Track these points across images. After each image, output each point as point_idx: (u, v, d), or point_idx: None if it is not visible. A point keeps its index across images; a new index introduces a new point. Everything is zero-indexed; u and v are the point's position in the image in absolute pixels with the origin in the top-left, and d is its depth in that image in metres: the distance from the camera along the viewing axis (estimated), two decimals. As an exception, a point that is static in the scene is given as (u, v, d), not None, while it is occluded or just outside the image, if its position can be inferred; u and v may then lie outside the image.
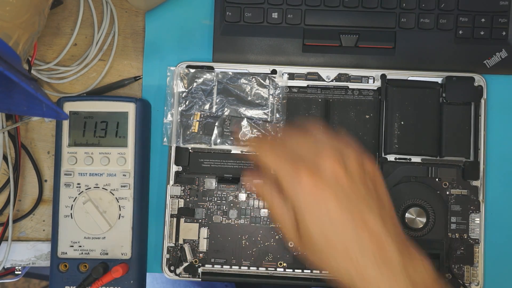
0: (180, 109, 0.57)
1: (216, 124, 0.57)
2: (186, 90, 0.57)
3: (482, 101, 0.57)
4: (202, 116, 0.57)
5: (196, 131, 0.57)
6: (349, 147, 0.45)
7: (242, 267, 0.57)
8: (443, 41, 0.58)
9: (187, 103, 0.57)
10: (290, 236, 0.45)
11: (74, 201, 0.55)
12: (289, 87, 0.58)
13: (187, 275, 0.57)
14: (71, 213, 0.55)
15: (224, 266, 0.57)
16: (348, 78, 0.58)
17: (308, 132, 0.46)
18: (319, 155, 0.43)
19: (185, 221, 0.57)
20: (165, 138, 0.57)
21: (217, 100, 0.57)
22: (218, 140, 0.56)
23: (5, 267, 0.59)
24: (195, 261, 0.57)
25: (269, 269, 0.57)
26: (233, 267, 0.57)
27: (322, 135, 0.45)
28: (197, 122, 0.57)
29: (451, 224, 0.56)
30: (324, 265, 0.43)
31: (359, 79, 0.58)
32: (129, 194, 0.56)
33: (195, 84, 0.57)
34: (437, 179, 0.57)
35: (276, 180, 0.44)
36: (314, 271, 0.56)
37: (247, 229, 0.57)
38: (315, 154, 0.44)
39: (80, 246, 0.55)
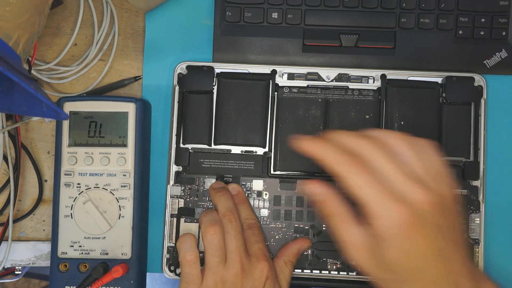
0: None
1: None
2: None
3: (482, 101, 0.57)
4: None
5: None
6: (443, 171, 0.43)
7: (242, 267, 0.57)
8: (443, 41, 0.58)
9: None
10: (362, 261, 0.43)
11: (74, 201, 0.55)
12: (289, 87, 0.58)
13: (187, 275, 0.57)
14: (71, 213, 0.55)
15: (224, 266, 0.57)
16: (348, 78, 0.58)
17: (390, 146, 0.44)
18: (411, 184, 0.41)
19: (185, 221, 0.57)
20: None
21: None
22: None
23: (5, 267, 0.59)
24: (195, 261, 0.57)
25: (269, 269, 0.57)
26: (233, 267, 0.57)
27: (407, 151, 0.43)
28: None
29: (451, 224, 0.56)
30: None
31: (359, 79, 0.58)
32: (129, 194, 0.56)
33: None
34: (437, 179, 0.57)
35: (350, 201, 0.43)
36: (314, 271, 0.56)
37: (247, 229, 0.57)
38: (406, 182, 0.41)
39: (80, 246, 0.55)
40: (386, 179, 0.42)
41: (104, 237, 0.55)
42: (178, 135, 0.58)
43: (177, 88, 0.58)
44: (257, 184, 0.57)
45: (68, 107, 0.56)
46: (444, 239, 0.42)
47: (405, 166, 0.43)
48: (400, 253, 0.41)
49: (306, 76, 0.58)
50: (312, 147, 0.44)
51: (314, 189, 0.45)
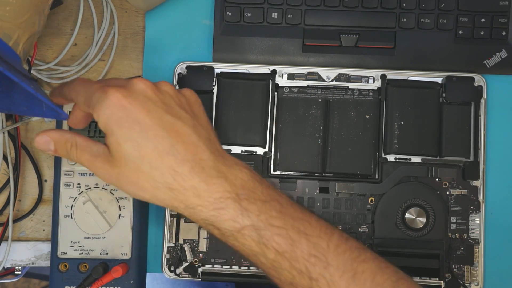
0: None
1: None
2: None
3: (482, 101, 0.57)
4: None
5: None
6: (164, 82, 0.46)
7: (242, 267, 0.57)
8: (443, 41, 0.58)
9: None
10: (101, 166, 0.44)
11: (74, 201, 0.55)
12: (289, 87, 0.58)
13: (187, 275, 0.57)
14: (71, 213, 0.55)
15: (224, 266, 0.57)
16: (348, 78, 0.58)
17: None
18: (129, 81, 0.44)
19: (185, 221, 0.57)
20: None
21: None
22: None
23: (5, 267, 0.59)
24: (195, 261, 0.57)
25: (269, 269, 0.57)
26: (233, 267, 0.57)
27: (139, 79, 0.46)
28: None
29: (451, 224, 0.56)
30: (142, 182, 0.43)
31: (359, 79, 0.58)
32: (129, 194, 0.55)
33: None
34: (437, 179, 0.57)
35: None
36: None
37: (247, 229, 0.57)
38: (126, 81, 0.44)
39: (80, 246, 0.55)
40: (105, 81, 0.45)
41: (104, 237, 0.55)
42: (178, 135, 0.58)
43: (177, 88, 0.58)
44: (257, 184, 0.57)
45: (68, 107, 0.56)
46: (171, 115, 0.43)
47: None
48: (126, 130, 0.42)
49: (306, 76, 0.58)
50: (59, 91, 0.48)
51: (42, 144, 0.46)
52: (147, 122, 0.42)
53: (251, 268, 0.57)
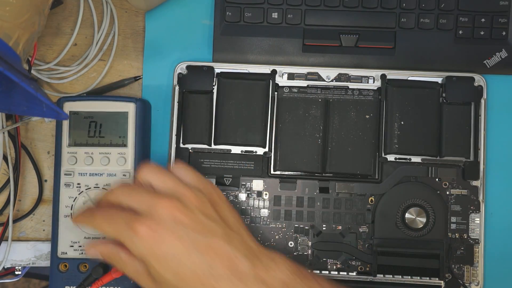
0: None
1: None
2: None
3: (482, 101, 0.57)
4: None
5: None
6: (185, 187, 0.46)
7: (242, 267, 0.57)
8: (443, 41, 0.58)
9: None
10: (144, 282, 0.46)
11: (74, 201, 0.55)
12: (289, 87, 0.58)
13: (187, 275, 0.57)
14: (71, 213, 0.55)
15: (224, 266, 0.57)
16: (348, 78, 0.58)
17: (139, 183, 0.47)
18: (153, 204, 0.44)
19: (185, 221, 0.57)
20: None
21: None
22: None
23: (5, 267, 0.59)
24: (195, 261, 0.57)
25: (269, 269, 0.57)
26: (233, 267, 0.57)
27: (157, 181, 0.46)
28: None
29: (451, 224, 0.56)
30: None
31: (359, 79, 0.58)
32: (129, 194, 0.55)
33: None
34: (437, 179, 0.57)
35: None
36: (314, 271, 0.56)
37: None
38: (149, 205, 0.44)
39: (80, 246, 0.55)
40: (129, 208, 0.45)
41: (104, 237, 0.55)
42: (178, 135, 0.58)
43: (177, 88, 0.58)
44: (257, 184, 0.57)
45: (68, 107, 0.56)
46: (202, 234, 0.44)
47: (147, 189, 0.46)
48: (162, 262, 0.43)
49: (306, 76, 0.58)
50: (80, 220, 0.48)
51: (92, 255, 0.48)
52: (181, 249, 0.43)
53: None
